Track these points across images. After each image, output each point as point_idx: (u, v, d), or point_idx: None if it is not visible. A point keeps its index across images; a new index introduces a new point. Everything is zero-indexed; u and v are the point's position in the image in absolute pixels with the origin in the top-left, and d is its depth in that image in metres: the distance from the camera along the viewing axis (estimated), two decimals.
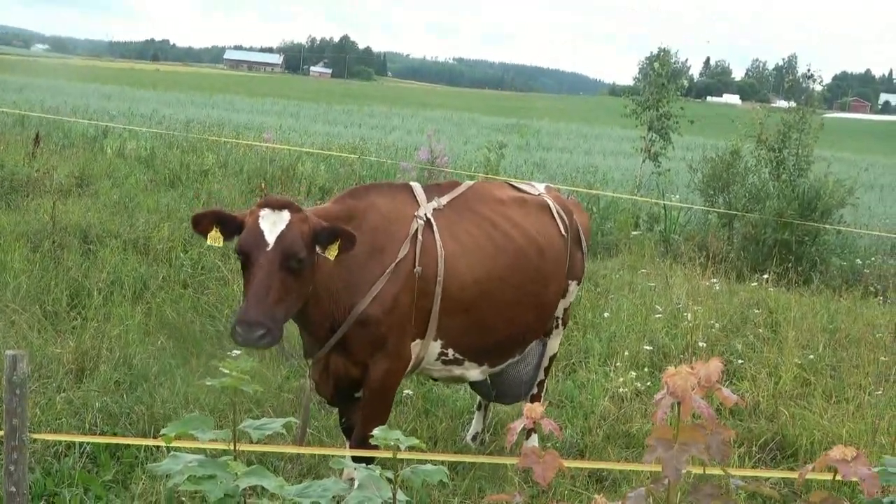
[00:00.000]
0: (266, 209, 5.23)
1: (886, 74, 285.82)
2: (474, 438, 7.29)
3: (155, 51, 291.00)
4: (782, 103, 27.26)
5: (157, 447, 6.10)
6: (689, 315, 10.47)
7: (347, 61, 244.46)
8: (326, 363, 5.82)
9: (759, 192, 16.11)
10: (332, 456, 5.09)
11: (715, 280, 12.76)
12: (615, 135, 50.58)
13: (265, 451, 6.05)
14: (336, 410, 6.50)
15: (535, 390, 7.05)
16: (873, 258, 15.86)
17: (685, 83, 25.92)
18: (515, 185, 7.09)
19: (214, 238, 5.39)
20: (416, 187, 6.21)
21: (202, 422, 2.99)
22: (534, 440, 6.90)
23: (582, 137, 50.35)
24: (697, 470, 2.82)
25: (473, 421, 7.43)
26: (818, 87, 22.84)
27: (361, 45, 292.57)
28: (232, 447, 2.99)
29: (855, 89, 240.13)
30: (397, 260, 5.69)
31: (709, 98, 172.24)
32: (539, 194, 6.90)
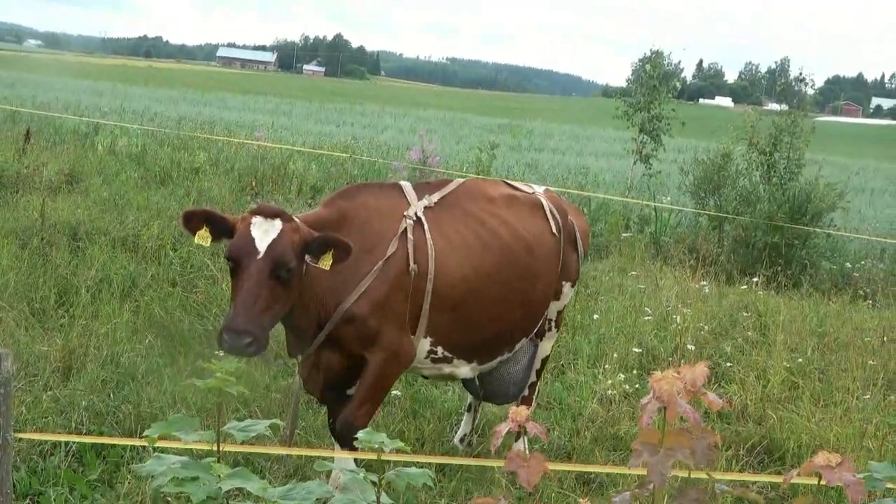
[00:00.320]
0: (258, 217, 5.25)
1: (879, 78, 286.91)
2: (462, 440, 7.28)
3: (148, 48, 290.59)
4: (774, 106, 27.34)
5: (144, 447, 6.08)
6: (679, 317, 10.49)
7: (341, 60, 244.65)
8: (316, 360, 5.84)
9: (749, 195, 16.14)
10: (318, 457, 5.07)
11: (705, 283, 12.79)
12: (607, 136, 50.63)
13: (251, 452, 6.04)
14: (324, 410, 6.49)
15: (526, 392, 7.05)
16: (863, 262, 15.90)
17: (677, 85, 25.96)
18: (512, 183, 7.09)
19: (202, 237, 5.40)
20: (406, 186, 6.23)
21: (186, 423, 2.98)
22: (522, 443, 6.90)
23: (574, 138, 50.41)
24: (683, 474, 2.81)
25: (462, 422, 7.43)
26: (810, 91, 22.92)
27: (355, 44, 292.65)
28: (216, 448, 2.99)
29: (847, 93, 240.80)
30: (385, 257, 5.71)
31: (701, 100, 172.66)
32: (533, 193, 6.91)
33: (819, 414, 8.21)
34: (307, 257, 5.30)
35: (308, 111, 53.46)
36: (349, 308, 5.64)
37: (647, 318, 10.52)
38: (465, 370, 6.42)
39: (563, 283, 6.93)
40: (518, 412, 3.09)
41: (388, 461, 2.83)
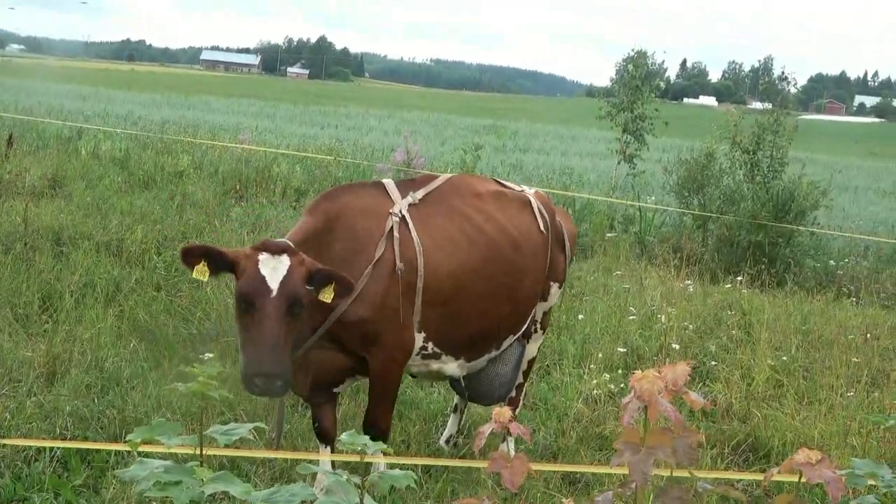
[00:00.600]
0: (265, 254, 5.20)
1: (861, 76, 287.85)
2: (448, 441, 7.28)
3: (131, 51, 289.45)
4: (758, 105, 27.45)
5: (129, 452, 6.07)
6: (663, 317, 10.52)
7: (324, 62, 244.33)
8: (304, 361, 5.83)
9: (733, 194, 16.19)
10: (303, 460, 5.07)
11: (689, 282, 12.82)
12: (592, 136, 50.71)
13: (236, 456, 6.04)
14: (310, 413, 6.50)
15: (513, 393, 7.05)
16: (846, 260, 15.95)
17: (661, 85, 26.02)
18: (501, 181, 7.10)
19: (201, 272, 5.33)
20: (389, 184, 6.24)
21: (169, 427, 2.98)
22: (508, 443, 6.91)
23: (559, 139, 50.44)
24: (666, 472, 2.83)
25: (448, 423, 7.43)
26: (793, 90, 23.03)
27: (339, 46, 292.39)
28: (199, 452, 2.99)
29: (830, 91, 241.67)
30: (375, 259, 5.73)
31: (685, 100, 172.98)
32: (522, 191, 6.92)
33: (803, 412, 8.24)
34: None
35: (292, 114, 53.38)
36: (346, 311, 5.65)
37: (631, 317, 10.54)
38: (452, 367, 6.42)
39: (551, 283, 6.94)
40: (501, 413, 3.10)
41: (372, 463, 2.84)
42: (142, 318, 9.04)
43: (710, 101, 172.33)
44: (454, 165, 20.75)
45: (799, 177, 16.31)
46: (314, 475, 5.64)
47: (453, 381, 6.97)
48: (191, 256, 5.33)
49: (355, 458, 2.95)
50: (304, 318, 5.33)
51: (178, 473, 2.80)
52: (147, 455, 3.03)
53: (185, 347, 8.43)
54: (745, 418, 8.12)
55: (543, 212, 6.82)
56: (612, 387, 8.43)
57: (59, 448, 6.23)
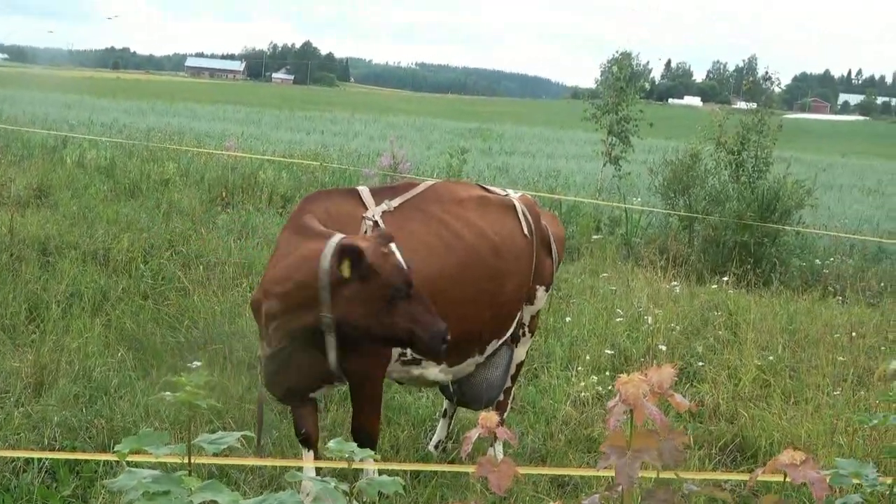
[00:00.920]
0: (392, 244, 5.47)
1: (845, 75, 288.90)
2: (437, 446, 7.29)
3: (115, 59, 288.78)
4: (743, 105, 27.55)
5: (117, 461, 6.07)
6: (650, 318, 10.54)
7: (309, 67, 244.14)
8: (284, 362, 5.85)
9: (718, 195, 16.22)
10: (291, 468, 5.09)
11: (675, 283, 12.85)
12: (577, 138, 50.71)
13: (225, 465, 6.04)
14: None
15: (501, 397, 7.06)
16: (832, 258, 16.00)
17: (646, 86, 26.11)
18: (486, 187, 7.11)
19: (346, 268, 5.38)
20: (364, 191, 6.26)
21: (157, 437, 2.99)
22: (497, 447, 6.92)
23: (544, 141, 50.48)
24: (652, 474, 2.84)
25: (437, 429, 7.43)
26: (777, 89, 23.09)
27: (323, 51, 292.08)
28: (187, 462, 2.99)
29: (815, 90, 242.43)
30: None
31: (670, 100, 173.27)
32: (507, 195, 6.93)
33: (790, 411, 8.27)
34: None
35: (278, 120, 53.30)
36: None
37: (618, 319, 10.56)
38: (434, 372, 6.41)
39: (537, 286, 6.94)
40: (488, 418, 3.12)
41: (360, 469, 2.85)
42: (129, 328, 9.03)
43: (694, 101, 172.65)
44: (440, 170, 20.77)
45: (784, 176, 16.35)
46: (300, 482, 5.65)
47: (442, 387, 6.99)
48: (348, 254, 5.39)
49: (343, 465, 2.96)
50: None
51: (167, 483, 2.81)
52: (135, 465, 3.04)
53: (172, 356, 8.42)
54: (733, 418, 8.14)
55: (528, 215, 6.82)
56: (600, 389, 8.45)
57: (47, 459, 6.21)
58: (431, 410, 7.95)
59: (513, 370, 7.09)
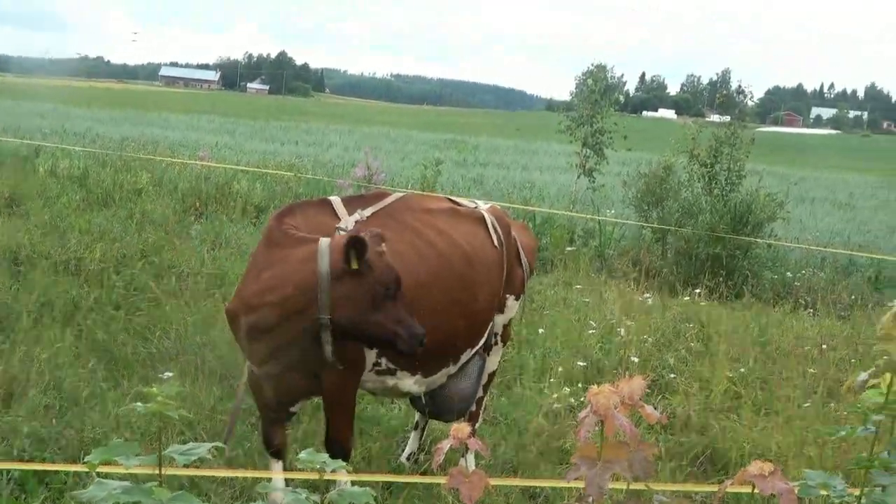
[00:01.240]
0: (384, 243, 5.54)
1: (818, 88, 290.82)
2: (409, 458, 7.28)
3: (89, 68, 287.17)
4: (716, 118, 27.72)
5: (87, 473, 6.03)
6: (623, 330, 10.59)
7: (285, 77, 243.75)
8: (267, 376, 5.86)
9: (691, 207, 16.32)
10: (262, 479, 5.08)
11: (648, 295, 12.91)
12: (552, 150, 50.81)
13: (196, 476, 6.01)
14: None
15: (473, 407, 7.05)
16: (803, 271, 16.12)
17: (620, 98, 26.22)
18: (454, 199, 7.13)
19: (355, 262, 5.42)
20: (336, 201, 6.25)
21: (127, 447, 2.97)
22: (469, 458, 6.92)
23: (519, 153, 50.62)
24: (623, 485, 2.86)
25: (409, 440, 7.43)
26: (750, 102, 23.27)
27: (299, 62, 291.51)
28: (158, 473, 2.99)
29: (787, 103, 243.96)
30: None
31: (644, 113, 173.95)
32: (476, 208, 6.96)
33: (761, 423, 8.32)
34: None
35: (252, 130, 53.23)
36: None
37: (591, 331, 10.58)
38: (408, 383, 6.40)
39: (508, 296, 6.96)
40: (460, 429, 3.12)
41: (333, 481, 2.86)
42: (100, 338, 8.98)
43: (669, 113, 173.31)
44: (415, 181, 20.76)
45: (756, 189, 16.47)
46: (279, 488, 5.64)
47: (414, 398, 6.98)
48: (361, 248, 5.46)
49: (315, 476, 2.96)
50: None
51: (137, 494, 2.80)
52: (106, 476, 3.03)
53: (144, 367, 8.39)
54: (704, 430, 8.17)
55: (497, 227, 6.84)
56: (573, 400, 8.44)
57: (16, 470, 6.17)
58: (404, 422, 7.94)
59: (484, 380, 7.08)
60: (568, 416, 8.19)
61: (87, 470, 2.87)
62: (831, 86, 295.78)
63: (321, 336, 5.51)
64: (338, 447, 5.88)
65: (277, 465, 6.18)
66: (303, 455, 2.98)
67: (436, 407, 6.94)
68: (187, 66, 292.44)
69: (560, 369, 9.27)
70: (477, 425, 7.12)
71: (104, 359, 8.49)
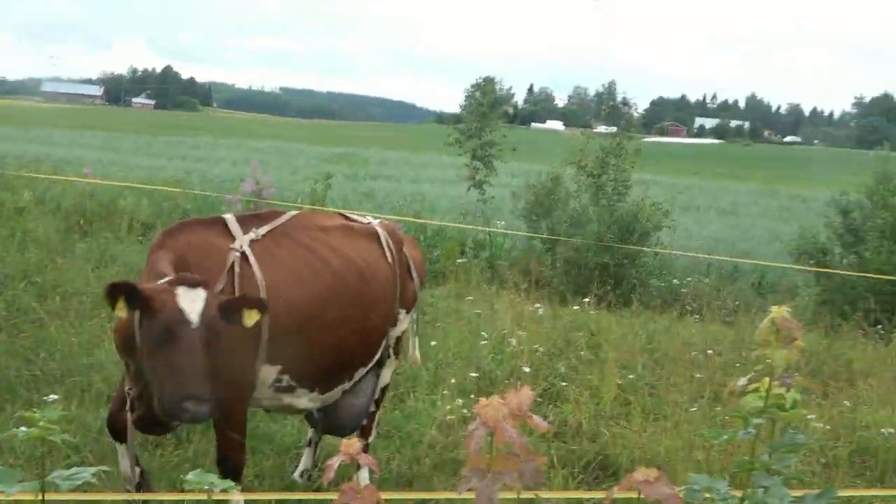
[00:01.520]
0: (182, 287, 5.21)
1: (701, 99, 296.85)
2: (303, 475, 7.25)
3: None
4: (603, 129, 28.14)
5: None
6: (514, 340, 10.66)
7: (171, 92, 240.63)
8: (147, 393, 5.77)
9: (579, 217, 16.53)
10: (150, 501, 5.02)
11: (539, 305, 13.00)
12: (442, 162, 50.92)
13: (81, 501, 5.89)
14: (159, 452, 6.42)
15: (364, 421, 7.06)
16: (689, 278, 16.42)
17: (509, 111, 26.45)
18: (347, 215, 7.14)
19: (121, 308, 5.25)
20: (230, 220, 6.19)
21: (9, 474, 2.92)
22: (364, 473, 6.90)
23: (409, 166, 50.69)
24: (513, 495, 2.88)
25: (303, 458, 7.40)
26: (635, 113, 23.69)
27: (185, 76, 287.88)
28: (41, 499, 2.93)
29: (672, 114, 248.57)
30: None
31: (533, 124, 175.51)
32: (369, 223, 6.98)
33: (650, 428, 8.46)
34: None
35: (138, 145, 52.43)
36: None
37: (483, 342, 10.63)
38: (304, 401, 6.39)
39: (400, 310, 6.99)
40: (349, 445, 3.12)
41: (222, 501, 2.82)
42: None
43: (557, 125, 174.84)
44: (305, 195, 20.63)
45: (642, 199, 16.75)
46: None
47: (308, 415, 6.96)
48: (116, 293, 5.21)
49: (204, 497, 2.92)
50: (223, 349, 5.31)
51: None
52: None
53: (28, 390, 8.18)
54: (595, 437, 8.28)
55: (390, 243, 6.89)
56: (466, 412, 8.44)
57: None
58: (296, 438, 7.89)
59: (378, 394, 7.11)
60: (461, 427, 8.20)
61: None
62: (714, 96, 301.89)
63: None
64: (230, 465, 5.86)
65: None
66: (190, 476, 2.95)
67: (329, 423, 6.94)
68: (70, 81, 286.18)
69: (453, 381, 9.30)
70: (370, 439, 7.13)
71: None
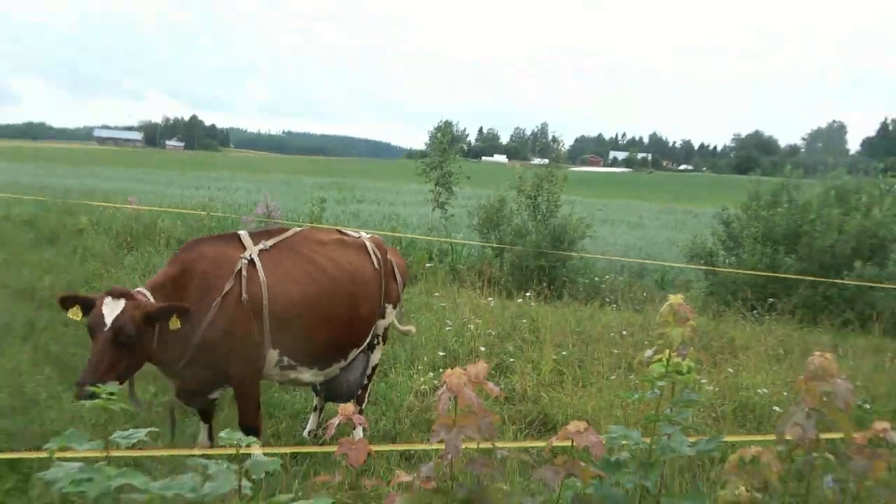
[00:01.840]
0: (108, 297, 5.23)
1: (614, 137, 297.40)
2: (310, 433, 7.24)
3: (34, 131, 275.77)
4: (538, 161, 28.16)
5: (49, 458, 5.83)
6: (472, 326, 10.66)
7: (196, 136, 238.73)
8: (183, 379, 5.78)
9: (521, 230, 16.57)
10: (192, 455, 4.99)
11: (491, 299, 13.02)
12: (412, 189, 50.96)
13: (138, 456, 5.87)
14: (196, 419, 6.41)
15: (359, 392, 7.08)
16: (607, 276, 16.48)
17: (464, 147, 26.53)
18: (343, 230, 7.16)
19: (75, 313, 5.29)
20: (244, 235, 6.21)
21: (80, 436, 2.92)
22: (358, 431, 6.91)
23: (387, 192, 50.64)
24: (474, 445, 2.91)
25: (310, 420, 7.38)
26: (562, 148, 23.83)
27: (207, 123, 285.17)
28: (106, 455, 2.93)
29: (591, 148, 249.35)
30: (223, 293, 5.70)
31: (483, 158, 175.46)
32: (359, 237, 6.99)
33: (579, 393, 8.47)
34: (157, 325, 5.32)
35: (171, 179, 51.99)
36: (200, 337, 5.61)
37: (448, 328, 10.63)
38: (307, 376, 6.40)
39: (387, 305, 7.01)
40: (346, 408, 3.15)
41: (246, 455, 2.83)
42: (54, 350, 8.68)
43: (502, 158, 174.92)
44: (304, 215, 20.57)
45: (570, 215, 16.82)
46: (203, 467, 5.55)
47: (313, 386, 6.97)
48: (67, 303, 5.30)
49: (232, 451, 2.94)
50: (142, 346, 5.28)
51: (90, 472, 2.74)
52: (64, 460, 2.96)
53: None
54: (537, 400, 8.29)
55: (376, 252, 6.91)
56: (436, 382, 8.50)
57: None
58: (304, 405, 7.88)
59: (369, 371, 7.11)
60: (432, 394, 8.24)
61: (48, 456, 2.80)
62: (624, 134, 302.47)
63: None
64: (249, 429, 5.86)
65: (205, 427, 6.28)
66: (223, 434, 2.96)
67: (330, 392, 6.95)
68: (116, 128, 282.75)
69: (425, 359, 9.31)
70: (363, 406, 7.14)
71: (58, 367, 8.20)
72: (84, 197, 25.27)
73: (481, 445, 2.90)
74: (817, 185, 16.89)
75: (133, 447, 2.96)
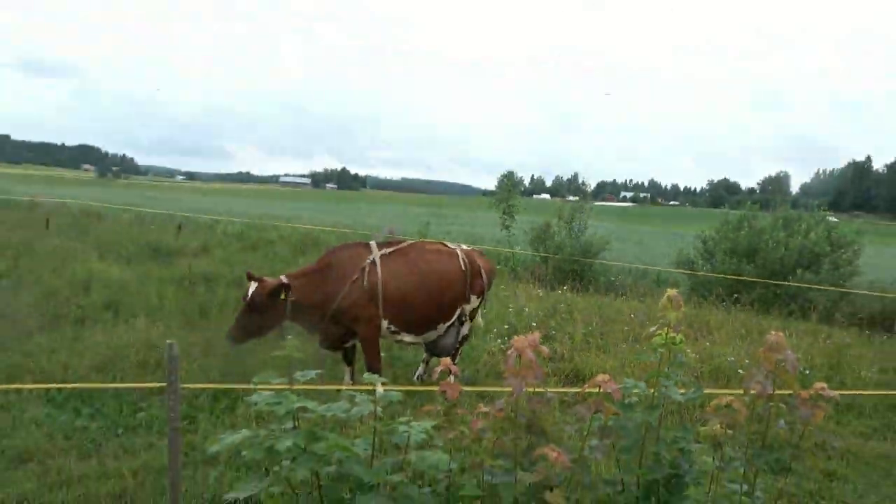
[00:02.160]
0: (252, 282, 5.69)
1: (624, 181, 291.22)
2: (419, 378, 7.27)
3: (242, 178, 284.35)
4: (572, 198, 27.76)
5: (253, 390, 5.94)
6: (527, 309, 10.56)
7: (345, 180, 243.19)
8: (325, 332, 6.04)
9: (560, 245, 16.38)
10: (344, 389, 5.06)
11: (540, 291, 12.89)
12: (486, 217, 50.43)
13: (309, 389, 5.96)
14: (342, 366, 6.50)
15: (454, 351, 7.07)
16: (620, 276, 16.17)
17: (521, 188, 26.28)
18: (445, 243, 7.18)
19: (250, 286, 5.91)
20: (373, 244, 6.37)
21: (272, 375, 3.00)
22: (452, 378, 6.87)
23: (470, 218, 50.58)
24: (531, 389, 2.87)
25: (419, 368, 7.41)
26: (588, 189, 23.35)
27: (352, 171, 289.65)
28: (290, 387, 3.00)
29: (608, 189, 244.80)
30: (352, 280, 5.97)
31: (534, 196, 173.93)
32: (454, 248, 6.98)
33: (601, 356, 8.31)
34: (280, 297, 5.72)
35: (328, 209, 53.00)
36: (337, 305, 5.90)
37: (510, 309, 10.55)
38: (408, 338, 6.50)
39: (471, 295, 6.96)
40: (445, 361, 3.15)
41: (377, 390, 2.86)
42: None
43: (546, 197, 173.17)
44: (414, 233, 20.77)
45: (594, 234, 16.56)
46: (351, 396, 5.64)
47: (425, 344, 6.98)
48: (250, 278, 5.82)
49: (368, 388, 2.97)
50: (271, 314, 5.67)
51: (278, 398, 2.82)
52: (262, 390, 3.04)
53: (281, 337, 8.27)
54: (571, 360, 8.13)
55: (464, 258, 6.89)
56: (503, 346, 8.44)
57: (212, 389, 6.08)
58: (415, 358, 7.90)
59: (460, 339, 7.08)
60: (500, 354, 8.17)
61: (252, 387, 2.87)
62: (631, 179, 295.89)
63: None
64: (373, 371, 5.95)
65: (348, 368, 6.44)
66: (366, 376, 2.99)
67: (433, 350, 6.96)
68: (294, 175, 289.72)
69: (495, 330, 9.24)
70: (456, 360, 7.12)
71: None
72: (275, 220, 25.99)
73: (536, 389, 2.86)
74: (769, 216, 16.30)
75: (306, 383, 3.02)
